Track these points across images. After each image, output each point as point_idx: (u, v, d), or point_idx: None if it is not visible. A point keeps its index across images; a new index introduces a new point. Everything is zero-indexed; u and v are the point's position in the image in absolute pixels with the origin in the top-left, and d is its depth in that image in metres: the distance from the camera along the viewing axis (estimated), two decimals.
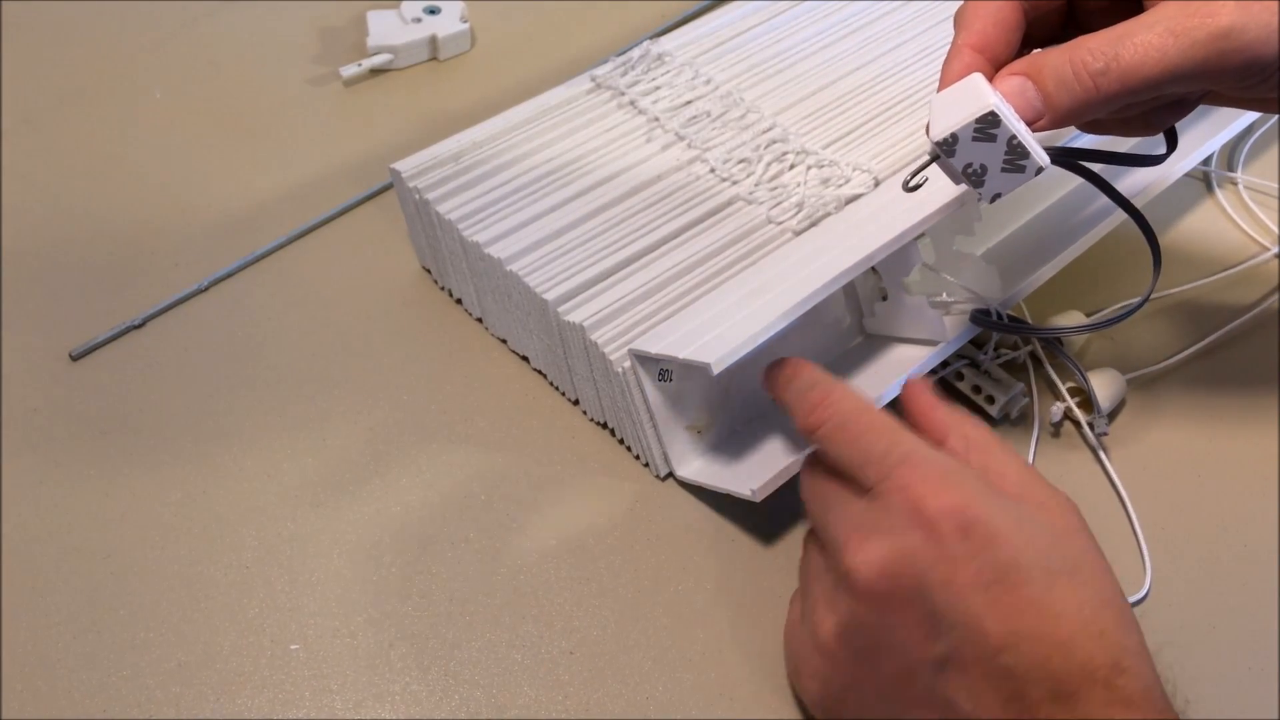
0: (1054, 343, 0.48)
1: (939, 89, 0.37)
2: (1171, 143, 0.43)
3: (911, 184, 0.39)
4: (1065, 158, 0.41)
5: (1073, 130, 0.48)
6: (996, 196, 0.38)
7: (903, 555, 0.33)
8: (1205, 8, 0.34)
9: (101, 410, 0.48)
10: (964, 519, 0.33)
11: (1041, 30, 0.40)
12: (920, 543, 0.33)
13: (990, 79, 0.37)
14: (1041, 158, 0.36)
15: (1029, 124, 0.36)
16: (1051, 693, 0.31)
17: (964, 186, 0.38)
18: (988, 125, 0.35)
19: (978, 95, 0.35)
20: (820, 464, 0.38)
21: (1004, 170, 0.37)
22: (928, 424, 0.38)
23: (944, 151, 0.37)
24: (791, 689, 0.39)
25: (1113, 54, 0.34)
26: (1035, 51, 0.36)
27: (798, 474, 0.40)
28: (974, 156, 0.37)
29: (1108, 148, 0.43)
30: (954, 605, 0.32)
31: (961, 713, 0.33)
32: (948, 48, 0.56)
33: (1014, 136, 0.35)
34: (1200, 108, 0.55)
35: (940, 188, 0.43)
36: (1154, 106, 0.40)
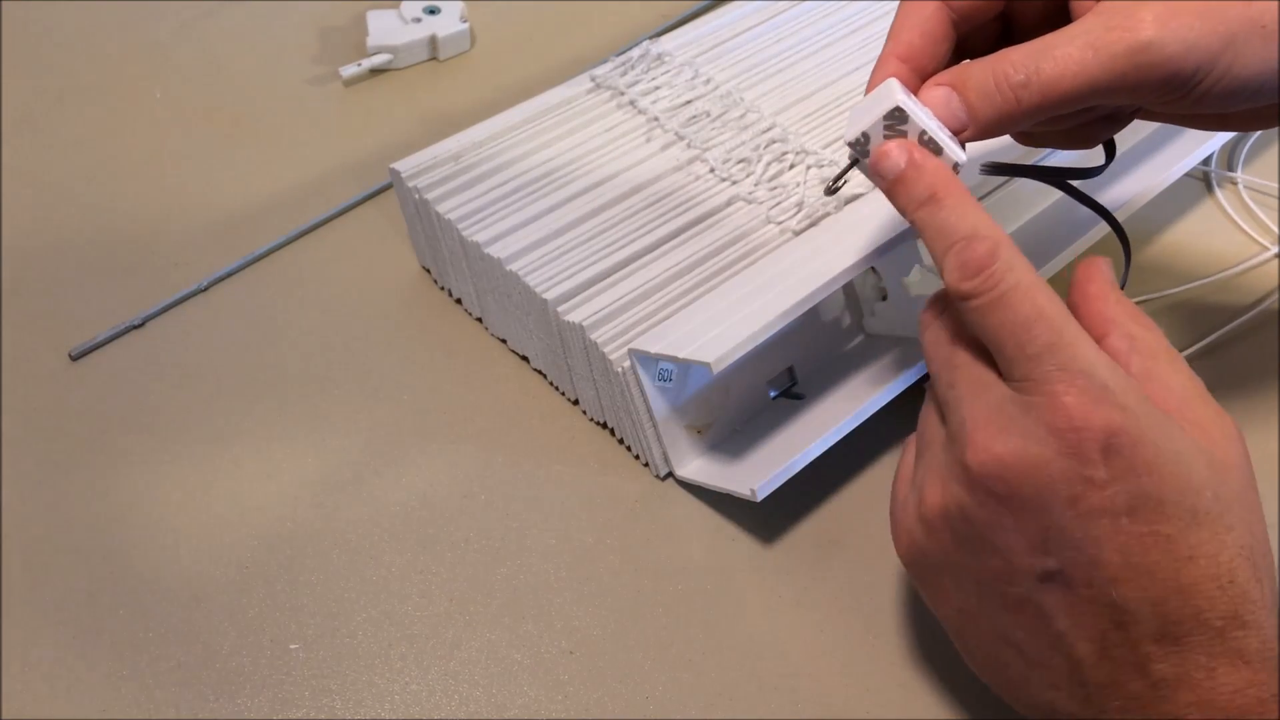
0: None
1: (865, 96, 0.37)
2: (1110, 154, 0.42)
3: (834, 187, 0.39)
4: (996, 171, 0.40)
5: (1043, 150, 0.48)
6: None
7: (1033, 463, 0.31)
8: (1126, 21, 0.33)
9: (101, 410, 0.48)
10: (1114, 441, 0.31)
11: (978, 43, 0.40)
12: (1056, 455, 0.31)
13: (916, 89, 0.36)
14: (956, 154, 0.36)
15: (955, 133, 0.36)
16: (1157, 632, 0.31)
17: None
18: (896, 121, 0.35)
19: (887, 95, 0.35)
20: (951, 319, 0.36)
21: None
22: (1091, 314, 0.35)
23: (858, 153, 0.37)
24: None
25: (1034, 67, 0.34)
26: (964, 63, 0.36)
27: (920, 318, 0.37)
28: None
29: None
30: (1075, 526, 0.31)
31: (1056, 628, 0.32)
32: None
33: (924, 132, 0.35)
34: None
35: None
36: (1087, 120, 0.39)
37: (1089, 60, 0.33)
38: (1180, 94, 0.34)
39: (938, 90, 0.36)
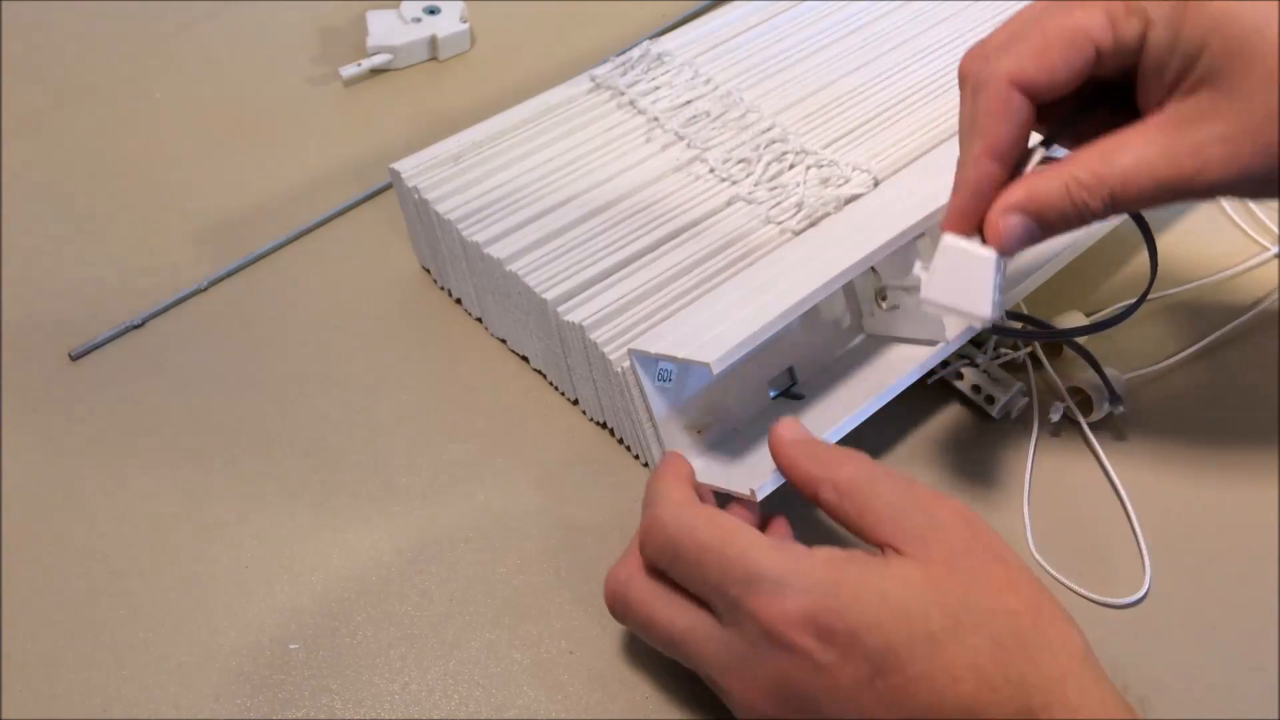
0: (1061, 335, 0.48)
1: (953, 196, 0.38)
2: None
3: (886, 306, 0.43)
4: None
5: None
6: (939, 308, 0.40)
7: (781, 682, 0.33)
8: (1191, 158, 0.34)
9: (101, 410, 0.48)
10: (819, 626, 0.32)
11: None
12: (791, 663, 0.33)
13: (1004, 185, 0.37)
14: (987, 317, 0.38)
15: (1027, 245, 0.38)
16: None
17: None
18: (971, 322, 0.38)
19: (980, 298, 0.37)
20: (657, 575, 0.38)
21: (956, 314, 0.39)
22: (798, 480, 0.38)
23: (924, 303, 0.39)
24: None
25: (1108, 195, 0.35)
26: (1029, 182, 0.37)
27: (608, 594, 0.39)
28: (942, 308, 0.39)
29: None
30: (847, 711, 0.32)
31: None
32: (947, 48, 0.55)
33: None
34: None
35: (941, 188, 0.43)
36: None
37: (1158, 191, 0.35)
38: (1226, 194, 0.36)
39: (1013, 219, 0.37)
